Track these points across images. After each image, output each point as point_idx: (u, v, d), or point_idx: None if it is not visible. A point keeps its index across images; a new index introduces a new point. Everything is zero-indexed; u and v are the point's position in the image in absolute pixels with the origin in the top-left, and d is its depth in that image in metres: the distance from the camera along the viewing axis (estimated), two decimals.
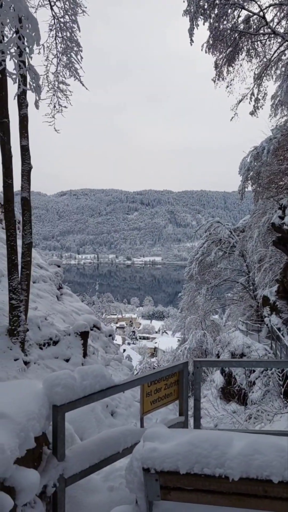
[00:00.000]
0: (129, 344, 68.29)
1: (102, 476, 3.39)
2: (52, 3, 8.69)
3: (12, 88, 20.61)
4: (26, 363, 8.86)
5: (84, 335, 10.85)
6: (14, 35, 6.83)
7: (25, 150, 9.27)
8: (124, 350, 47.48)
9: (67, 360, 10.14)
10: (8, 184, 8.75)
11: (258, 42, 13.95)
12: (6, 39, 6.69)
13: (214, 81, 14.76)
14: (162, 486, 2.64)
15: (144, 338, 78.41)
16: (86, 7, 8.78)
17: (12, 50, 6.69)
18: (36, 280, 13.45)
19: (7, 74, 7.21)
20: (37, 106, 7.77)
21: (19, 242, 9.52)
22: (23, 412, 2.50)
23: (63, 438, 2.93)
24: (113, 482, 3.28)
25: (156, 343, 65.52)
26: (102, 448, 3.16)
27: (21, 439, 2.33)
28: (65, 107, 9.92)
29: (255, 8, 13.10)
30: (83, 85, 9.68)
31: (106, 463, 3.21)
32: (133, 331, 80.00)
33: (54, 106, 9.88)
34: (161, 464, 2.58)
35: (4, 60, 6.83)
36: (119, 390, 3.54)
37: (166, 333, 72.24)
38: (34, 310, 10.77)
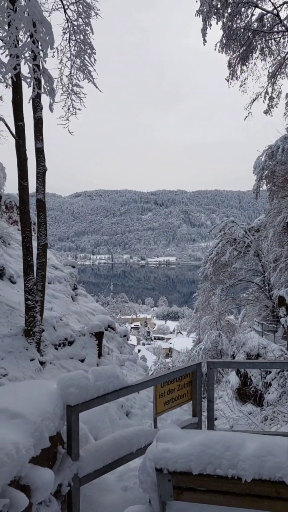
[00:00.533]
0: (143, 344, 68.32)
1: (116, 476, 3.42)
2: (66, 7, 8.78)
3: (27, 92, 20.84)
4: (42, 363, 8.97)
5: (99, 336, 10.92)
6: (29, 39, 6.93)
7: (40, 153, 9.38)
8: (139, 351, 47.53)
9: (82, 361, 10.22)
10: (23, 186, 8.87)
11: (272, 41, 13.81)
12: (20, 44, 6.79)
13: (228, 81, 14.67)
14: (175, 486, 2.66)
15: (158, 338, 78.34)
16: (99, 10, 8.84)
17: (27, 54, 6.79)
18: (51, 281, 13.58)
19: (22, 78, 7.31)
20: (51, 109, 7.86)
21: (35, 244, 9.64)
22: (37, 412, 2.54)
23: (77, 438, 2.97)
24: (127, 482, 3.30)
25: (171, 343, 65.39)
26: (115, 448, 3.19)
27: (36, 438, 2.38)
28: (79, 109, 10.02)
29: (268, 6, 12.99)
30: (96, 87, 9.75)
31: (120, 463, 3.23)
32: (148, 332, 79.96)
33: (68, 109, 9.98)
34: (173, 464, 2.59)
35: (19, 64, 6.92)
36: (132, 391, 3.57)
37: (181, 333, 72.02)
38: (50, 311, 10.89)
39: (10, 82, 7.95)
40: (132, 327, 71.90)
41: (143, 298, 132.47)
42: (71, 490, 2.88)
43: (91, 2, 8.85)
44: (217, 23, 12.82)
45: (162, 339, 77.40)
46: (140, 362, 14.97)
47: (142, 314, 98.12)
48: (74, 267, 16.76)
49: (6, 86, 7.50)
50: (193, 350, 24.81)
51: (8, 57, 6.74)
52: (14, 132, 8.72)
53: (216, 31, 13.81)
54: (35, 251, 9.45)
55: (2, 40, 7.07)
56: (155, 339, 77.86)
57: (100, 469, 3.04)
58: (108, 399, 3.27)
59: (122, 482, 3.32)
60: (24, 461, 2.22)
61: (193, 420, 4.19)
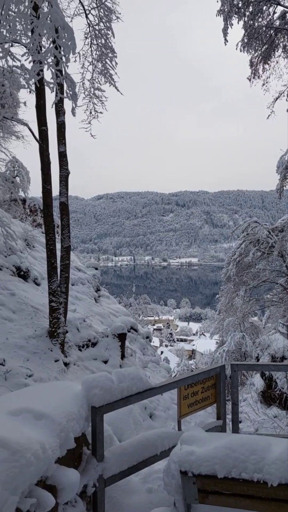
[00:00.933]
0: (166, 346, 68.17)
1: (140, 477, 3.43)
2: (87, 12, 8.88)
3: (50, 97, 21.21)
4: (66, 364, 9.07)
5: (121, 337, 10.97)
6: (51, 45, 7.05)
7: (62, 156, 9.50)
8: (162, 352, 47.45)
9: (105, 362, 10.28)
10: (47, 190, 9.00)
11: None
12: (43, 50, 6.91)
13: (250, 80, 14.53)
14: (200, 489, 2.64)
15: (181, 340, 78.02)
16: (120, 13, 8.91)
17: (50, 60, 6.90)
18: (74, 283, 13.73)
19: (45, 83, 7.43)
20: (73, 113, 7.96)
21: (58, 246, 9.76)
22: (63, 412, 2.57)
23: (102, 439, 2.99)
24: (151, 484, 3.31)
25: (194, 345, 65.03)
26: (140, 450, 3.20)
27: (61, 439, 2.41)
28: (100, 112, 10.11)
29: None
30: (117, 90, 9.82)
31: (144, 465, 3.24)
32: (171, 333, 79.72)
33: (90, 112, 10.08)
34: (198, 467, 2.58)
35: (42, 70, 7.04)
36: (155, 393, 3.57)
37: (204, 335, 71.54)
38: (73, 312, 11.00)
39: (33, 87, 8.09)
40: (154, 329, 71.85)
41: (165, 300, 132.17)
42: (96, 491, 2.90)
43: (112, 6, 8.92)
44: (238, 22, 12.73)
45: (185, 340, 77.04)
46: (163, 364, 14.94)
47: (165, 316, 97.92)
48: (96, 268, 16.89)
49: (30, 92, 7.63)
50: (216, 352, 24.59)
51: (31, 63, 6.87)
52: (37, 136, 8.87)
53: (237, 30, 13.72)
54: (58, 253, 9.58)
55: (25, 47, 7.21)
56: (177, 340, 77.57)
57: (124, 470, 3.06)
58: (131, 400, 3.28)
59: (147, 484, 3.33)
60: (51, 462, 2.25)
61: (217, 423, 4.16)
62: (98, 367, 9.81)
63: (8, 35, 6.57)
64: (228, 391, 4.54)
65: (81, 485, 2.67)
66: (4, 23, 6.46)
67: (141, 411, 8.08)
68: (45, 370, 8.40)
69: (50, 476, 2.33)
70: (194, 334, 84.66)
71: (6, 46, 6.85)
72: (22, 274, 11.38)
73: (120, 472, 3.04)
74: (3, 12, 6.48)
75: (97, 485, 2.89)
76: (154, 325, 76.04)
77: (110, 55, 9.24)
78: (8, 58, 6.90)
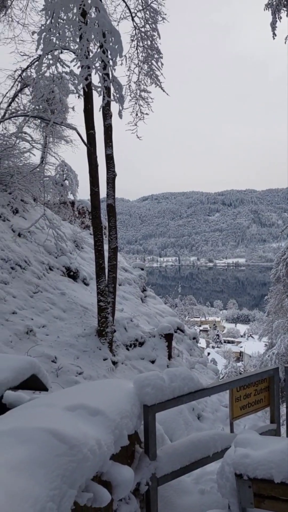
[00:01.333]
0: (213, 347, 67.25)
1: (192, 478, 3.40)
2: (134, 14, 8.97)
3: (97, 101, 21.61)
4: (114, 363, 9.19)
5: (168, 337, 10.96)
6: (98, 50, 7.18)
7: (109, 159, 9.65)
8: (209, 354, 46.86)
9: (152, 362, 10.32)
10: (95, 192, 9.18)
11: None
12: (91, 54, 7.05)
13: None
14: (256, 493, 2.58)
15: (228, 342, 76.69)
16: (165, 14, 8.92)
17: (97, 64, 7.03)
18: (121, 283, 13.90)
19: (93, 88, 7.58)
20: (120, 116, 8.04)
21: (106, 247, 9.93)
22: (116, 410, 2.61)
23: (154, 438, 3.00)
24: (204, 486, 3.27)
25: (241, 347, 63.72)
26: (192, 451, 3.18)
27: (115, 436, 2.44)
28: (146, 114, 10.17)
29: None
30: (163, 91, 9.84)
31: (197, 465, 3.21)
32: (217, 335, 78.58)
33: (136, 114, 10.16)
34: (254, 471, 2.52)
35: (90, 75, 7.18)
36: (207, 394, 3.53)
37: (252, 337, 69.88)
38: (121, 312, 11.15)
39: (82, 92, 8.28)
40: (201, 330, 71.14)
41: (211, 301, 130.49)
42: (149, 490, 2.91)
43: (158, 8, 8.96)
44: (287, 16, 12.34)
45: (232, 342, 75.68)
46: (210, 365, 14.76)
47: (211, 317, 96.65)
48: (142, 269, 17.00)
49: (78, 97, 7.82)
50: (265, 354, 23.94)
51: (79, 69, 7.03)
52: (85, 140, 9.07)
53: (286, 24, 13.29)
54: (106, 254, 9.74)
55: (74, 53, 7.40)
56: (225, 342, 76.32)
57: (177, 470, 3.05)
58: (183, 400, 3.26)
59: (199, 485, 3.30)
60: (106, 458, 2.29)
61: (271, 426, 4.05)
62: (146, 366, 9.87)
63: (57, 42, 6.76)
64: (281, 394, 4.41)
65: (135, 483, 2.69)
66: (54, 31, 6.66)
67: (189, 412, 8.03)
68: (94, 368, 8.56)
69: (105, 472, 2.37)
70: (241, 336, 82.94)
71: (56, 53, 7.07)
72: (72, 274, 11.68)
73: (173, 472, 3.03)
74: (53, 21, 6.69)
75: (150, 483, 2.90)
76: (200, 326, 75.28)
77: (156, 56, 9.28)
78: (58, 64, 7.11)
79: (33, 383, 3.77)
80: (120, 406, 2.69)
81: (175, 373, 3.27)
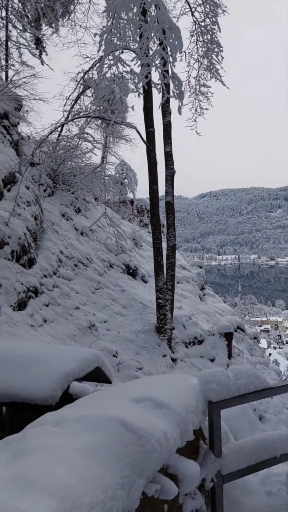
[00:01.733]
0: (274, 348, 65.01)
1: (259, 478, 3.32)
2: (193, 9, 8.89)
3: (156, 99, 21.66)
4: (173, 360, 9.21)
5: (228, 336, 10.78)
6: (158, 47, 7.20)
7: (168, 156, 9.66)
8: (270, 354, 45.38)
9: (212, 360, 10.21)
10: (153, 190, 9.24)
11: None
12: (151, 52, 7.09)
13: None
14: None
15: None
16: (226, 6, 8.75)
17: (157, 62, 7.06)
18: (179, 281, 13.88)
19: (152, 85, 7.63)
20: (180, 112, 8.03)
21: (164, 245, 9.96)
22: (181, 404, 2.60)
23: (219, 435, 2.96)
24: (270, 487, 3.18)
25: None
26: (258, 450, 3.10)
27: (181, 429, 2.44)
28: (206, 109, 10.06)
29: None
30: (224, 84, 9.67)
31: (263, 466, 3.13)
32: (279, 335, 75.86)
33: (196, 110, 10.09)
34: None
35: (150, 72, 7.23)
36: (273, 393, 3.43)
37: None
38: (179, 310, 11.13)
39: (141, 90, 8.36)
40: (261, 330, 69.07)
41: (273, 300, 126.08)
42: (214, 486, 2.89)
43: (218, 1, 8.80)
44: None
45: None
46: (272, 366, 14.32)
47: (273, 317, 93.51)
48: (201, 267, 16.86)
49: (138, 95, 7.90)
50: None
51: (139, 67, 7.10)
52: (145, 138, 9.14)
53: None
54: (164, 252, 9.77)
55: (134, 52, 7.47)
56: (287, 343, 73.53)
57: (243, 469, 2.99)
58: (249, 398, 3.19)
59: (266, 486, 3.21)
60: (172, 451, 2.29)
61: None
62: (205, 364, 9.78)
63: (118, 42, 6.87)
64: None
65: (200, 479, 2.67)
66: (115, 32, 6.77)
67: (252, 412, 7.84)
68: (154, 364, 8.64)
69: (172, 465, 2.38)
70: None
71: (117, 53, 7.18)
72: (131, 271, 11.86)
73: (238, 471, 2.97)
74: (114, 21, 6.80)
75: (215, 480, 2.87)
76: (261, 326, 73.06)
77: (216, 50, 9.14)
78: (119, 64, 7.22)
79: (97, 376, 3.87)
80: (185, 401, 2.68)
81: (241, 371, 3.20)
